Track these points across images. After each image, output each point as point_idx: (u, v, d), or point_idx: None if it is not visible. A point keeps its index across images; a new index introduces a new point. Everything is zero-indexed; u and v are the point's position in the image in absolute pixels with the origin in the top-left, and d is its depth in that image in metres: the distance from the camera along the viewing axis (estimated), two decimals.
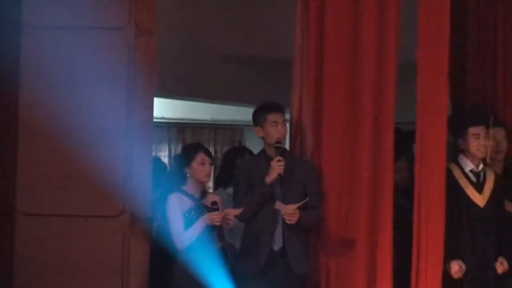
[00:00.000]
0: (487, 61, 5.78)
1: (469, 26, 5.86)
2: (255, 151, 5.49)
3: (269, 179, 4.68)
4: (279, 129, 4.85)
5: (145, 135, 4.80)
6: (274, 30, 6.48)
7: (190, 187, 4.82)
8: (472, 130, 4.96)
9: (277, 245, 4.75)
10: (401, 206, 5.11)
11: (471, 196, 4.98)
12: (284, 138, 5.04)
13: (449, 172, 4.92)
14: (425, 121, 4.92)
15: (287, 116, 5.25)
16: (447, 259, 4.91)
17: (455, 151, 5.27)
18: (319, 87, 5.09)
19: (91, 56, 4.55)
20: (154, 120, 5.14)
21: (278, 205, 4.68)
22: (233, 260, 4.89)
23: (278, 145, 4.79)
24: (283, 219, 4.64)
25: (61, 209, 4.59)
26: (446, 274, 4.87)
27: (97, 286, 4.63)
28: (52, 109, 4.49)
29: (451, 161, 5.01)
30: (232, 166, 5.61)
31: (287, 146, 5.15)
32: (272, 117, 4.84)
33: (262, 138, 4.94)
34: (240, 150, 6.57)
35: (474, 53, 5.84)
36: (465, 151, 4.97)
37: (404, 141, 5.72)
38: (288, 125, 5.17)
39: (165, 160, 7.93)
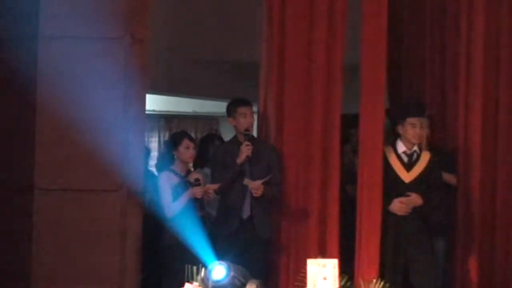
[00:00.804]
0: (418, 61, 6.23)
1: (403, 32, 6.32)
2: (230, 137, 6.00)
3: (239, 160, 5.25)
4: (248, 120, 5.45)
5: (139, 125, 5.26)
6: (245, 37, 6.85)
7: (177, 166, 5.41)
8: (410, 120, 5.39)
9: (246, 214, 5.35)
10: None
11: (398, 173, 5.44)
12: (252, 126, 5.68)
13: (383, 153, 5.44)
14: (367, 112, 5.47)
15: (255, 109, 5.85)
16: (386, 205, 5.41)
17: (393, 135, 5.71)
18: (281, 85, 5.64)
19: (95, 61, 4.97)
20: (146, 112, 5.68)
21: (246, 181, 5.26)
22: (211, 226, 5.52)
23: (246, 132, 5.37)
24: (251, 193, 5.22)
25: (72, 185, 5.02)
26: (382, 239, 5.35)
27: (102, 247, 5.06)
28: (63, 104, 4.88)
29: (388, 144, 5.50)
30: (206, 150, 6.36)
31: (254, 133, 5.67)
32: (241, 109, 5.44)
33: (234, 126, 5.54)
34: (212, 137, 7.27)
35: (406, 54, 6.31)
36: (401, 137, 5.42)
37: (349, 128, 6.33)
38: (256, 116, 5.79)
39: (156, 145, 8.25)
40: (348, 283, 4.93)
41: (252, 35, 6.23)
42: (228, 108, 5.64)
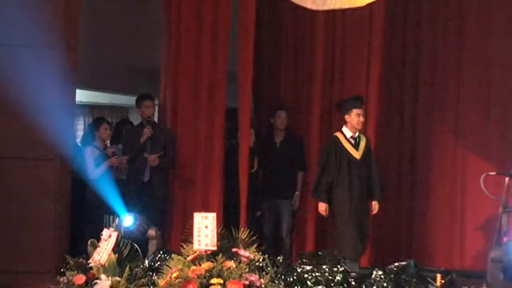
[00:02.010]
0: (277, 68, 7.02)
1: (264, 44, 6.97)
2: (137, 123, 6.77)
3: (142, 139, 6.10)
4: (150, 110, 6.28)
5: (70, 112, 5.90)
6: (150, 45, 7.55)
7: (98, 143, 6.26)
8: (356, 110, 5.99)
9: (146, 178, 6.21)
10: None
11: (351, 153, 6.04)
12: (153, 115, 6.47)
13: (336, 138, 6.04)
14: (241, 107, 6.33)
15: (157, 102, 6.67)
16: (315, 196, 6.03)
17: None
18: (176, 83, 6.42)
19: (36, 64, 5.48)
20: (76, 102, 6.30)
21: (146, 155, 6.13)
22: (122, 186, 6.22)
23: (148, 119, 6.23)
24: (150, 163, 6.13)
25: (16, 153, 5.55)
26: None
27: (39, 203, 5.58)
28: (12, 93, 5.37)
29: (338, 131, 6.06)
30: (119, 131, 7.09)
31: (156, 120, 6.51)
32: (145, 102, 6.26)
33: (140, 115, 6.38)
34: (124, 122, 8.10)
35: (267, 62, 7.03)
36: (348, 124, 6.01)
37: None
38: (157, 107, 6.61)
39: (82, 127, 8.85)
40: (224, 231, 5.02)
41: (156, 43, 6.95)
42: (136, 101, 6.43)
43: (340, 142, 6.00)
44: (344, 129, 6.06)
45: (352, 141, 6.04)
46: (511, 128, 6.49)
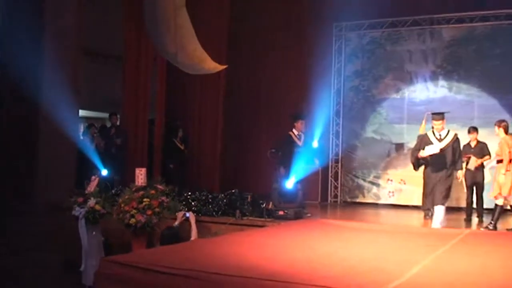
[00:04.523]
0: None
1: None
2: (109, 126, 11.78)
3: (111, 133, 11.53)
4: (115, 119, 11.30)
5: (76, 121, 10.27)
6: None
7: (89, 136, 11.23)
8: (301, 121, 9.61)
9: (114, 150, 11.21)
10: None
11: (298, 143, 9.43)
12: (117, 122, 11.43)
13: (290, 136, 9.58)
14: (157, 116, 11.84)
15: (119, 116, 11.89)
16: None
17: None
18: (124, 109, 11.12)
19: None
20: None
21: (114, 140, 11.12)
22: (102, 154, 10.60)
23: (115, 124, 11.54)
24: (117, 143, 11.50)
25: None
26: None
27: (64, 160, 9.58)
28: None
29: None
30: (102, 130, 12.11)
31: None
32: (113, 116, 11.52)
33: (111, 122, 11.55)
34: (104, 126, 12.60)
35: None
36: (296, 127, 9.72)
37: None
38: None
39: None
40: (150, 181, 7.89)
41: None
42: (109, 116, 11.46)
43: (293, 137, 10.01)
44: (294, 130, 9.94)
45: (298, 136, 9.90)
46: None
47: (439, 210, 8.24)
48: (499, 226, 8.77)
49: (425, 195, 9.68)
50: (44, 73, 9.21)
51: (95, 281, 4.89)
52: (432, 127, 8.51)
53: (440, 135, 8.46)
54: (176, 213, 8.15)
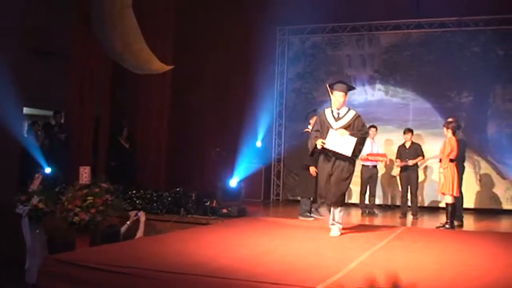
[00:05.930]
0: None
1: None
2: (53, 123, 11.89)
3: (56, 129, 11.84)
4: (59, 117, 11.38)
5: (20, 119, 10.11)
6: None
7: (33, 133, 11.21)
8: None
9: (58, 146, 11.35)
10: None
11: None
12: (61, 120, 11.47)
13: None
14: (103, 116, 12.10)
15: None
16: None
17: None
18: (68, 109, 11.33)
19: None
20: None
21: (59, 136, 11.16)
22: (46, 151, 10.68)
23: (58, 121, 11.56)
24: (61, 139, 11.83)
25: None
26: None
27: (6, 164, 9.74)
28: None
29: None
30: (46, 127, 11.98)
31: None
32: (57, 114, 11.48)
33: (55, 120, 11.58)
34: (48, 123, 12.23)
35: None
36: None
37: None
38: None
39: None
40: (94, 180, 7.67)
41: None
42: (53, 114, 11.53)
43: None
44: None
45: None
46: None
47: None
48: (428, 223, 9.12)
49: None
50: None
51: (38, 279, 4.85)
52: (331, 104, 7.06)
53: (338, 113, 6.96)
54: (129, 213, 8.15)
